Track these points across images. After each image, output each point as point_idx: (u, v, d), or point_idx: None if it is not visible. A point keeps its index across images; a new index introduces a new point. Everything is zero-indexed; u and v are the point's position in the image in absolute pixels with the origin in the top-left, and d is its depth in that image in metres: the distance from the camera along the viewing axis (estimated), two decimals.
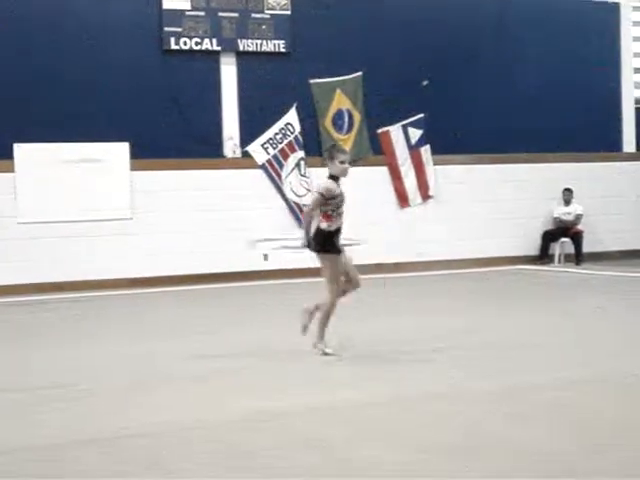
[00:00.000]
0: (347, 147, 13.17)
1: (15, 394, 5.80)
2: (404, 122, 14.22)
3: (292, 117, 13.68)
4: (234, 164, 13.45)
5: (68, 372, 6.52)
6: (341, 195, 6.71)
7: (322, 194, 6.66)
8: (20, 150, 12.35)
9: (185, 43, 13.08)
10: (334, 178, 6.74)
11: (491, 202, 14.78)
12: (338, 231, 6.72)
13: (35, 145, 12.37)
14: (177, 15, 13.00)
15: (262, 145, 13.56)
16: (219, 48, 13.30)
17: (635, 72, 15.99)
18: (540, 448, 4.13)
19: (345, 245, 6.77)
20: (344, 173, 6.74)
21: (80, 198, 12.56)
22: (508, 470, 3.82)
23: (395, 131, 14.22)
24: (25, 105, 12.34)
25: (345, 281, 6.81)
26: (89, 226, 12.62)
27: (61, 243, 12.48)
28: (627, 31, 15.83)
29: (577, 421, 4.64)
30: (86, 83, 12.67)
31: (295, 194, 13.63)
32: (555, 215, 15.09)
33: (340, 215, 6.71)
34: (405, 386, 5.67)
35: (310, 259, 7.02)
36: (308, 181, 13.63)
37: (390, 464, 3.97)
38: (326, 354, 6.70)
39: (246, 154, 13.51)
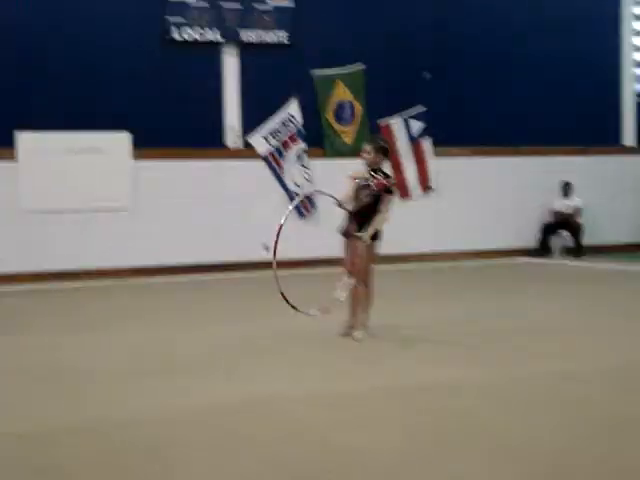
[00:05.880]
0: (349, 139, 13.28)
1: None
2: (405, 114, 14.26)
3: (294, 108, 13.71)
4: (235, 154, 13.50)
5: (67, 359, 6.58)
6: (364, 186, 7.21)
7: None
8: (22, 138, 12.38)
9: (188, 34, 13.12)
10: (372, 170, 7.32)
11: (490, 194, 14.82)
12: (351, 216, 7.15)
13: (37, 134, 12.41)
14: (180, 5, 13.02)
15: (264, 136, 13.60)
16: (222, 39, 13.33)
17: (636, 66, 16.01)
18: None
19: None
20: (366, 163, 7.36)
21: (81, 187, 12.60)
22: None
23: (396, 123, 14.26)
24: (27, 93, 12.38)
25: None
26: (89, 216, 12.67)
27: (62, 232, 12.53)
28: (628, 24, 15.85)
29: (575, 413, 4.70)
30: (88, 72, 12.70)
31: (296, 185, 13.67)
32: (554, 208, 15.14)
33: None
34: (402, 376, 5.73)
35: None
36: (309, 172, 13.66)
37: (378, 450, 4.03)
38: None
39: (248, 144, 13.56)
